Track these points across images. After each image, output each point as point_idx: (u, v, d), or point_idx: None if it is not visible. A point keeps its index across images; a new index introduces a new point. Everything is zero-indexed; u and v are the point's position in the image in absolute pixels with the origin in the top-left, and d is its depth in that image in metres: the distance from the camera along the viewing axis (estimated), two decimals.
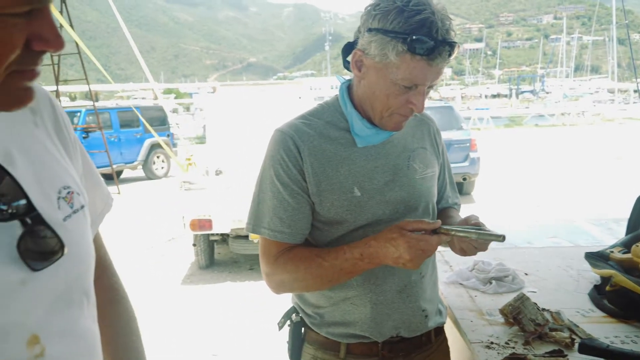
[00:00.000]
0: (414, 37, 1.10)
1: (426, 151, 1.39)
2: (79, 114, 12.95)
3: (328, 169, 1.27)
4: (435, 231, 1.17)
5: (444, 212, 1.51)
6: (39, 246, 0.69)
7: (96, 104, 12.98)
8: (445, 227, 1.18)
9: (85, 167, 0.91)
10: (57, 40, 0.61)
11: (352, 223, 1.28)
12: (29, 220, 0.68)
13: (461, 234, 1.18)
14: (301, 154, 1.27)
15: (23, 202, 0.68)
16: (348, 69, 1.29)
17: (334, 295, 1.34)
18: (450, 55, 1.15)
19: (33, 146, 0.76)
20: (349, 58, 1.26)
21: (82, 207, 0.80)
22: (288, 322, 1.47)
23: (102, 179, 1.00)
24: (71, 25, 9.83)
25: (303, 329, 1.43)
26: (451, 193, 1.56)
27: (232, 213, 5.35)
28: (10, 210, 0.66)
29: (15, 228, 0.67)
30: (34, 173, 0.72)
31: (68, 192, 0.77)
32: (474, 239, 1.20)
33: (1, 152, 0.70)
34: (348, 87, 1.34)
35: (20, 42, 0.59)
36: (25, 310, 0.68)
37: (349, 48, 1.26)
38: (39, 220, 0.69)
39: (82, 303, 0.78)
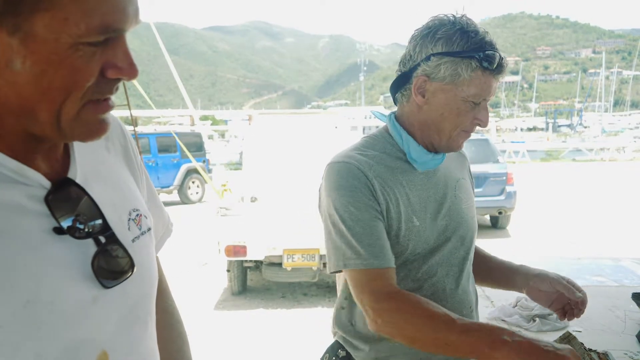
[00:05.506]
0: (483, 54, 1.19)
1: (466, 182, 1.44)
2: None
3: (392, 198, 1.26)
4: None
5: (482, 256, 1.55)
6: (110, 265, 0.71)
7: (136, 129, 13.33)
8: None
9: (149, 192, 0.94)
10: (131, 69, 0.64)
11: (411, 252, 1.28)
12: (102, 239, 0.71)
13: None
14: (369, 180, 1.23)
15: (99, 221, 0.71)
16: (397, 102, 1.33)
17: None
18: None
19: (106, 170, 0.80)
20: (409, 87, 1.27)
21: (149, 229, 0.83)
22: (333, 358, 1.41)
23: (162, 204, 1.03)
24: None
25: None
26: None
27: (266, 240, 5.39)
28: (86, 229, 0.69)
29: (89, 246, 0.70)
30: (107, 195, 0.75)
31: (137, 215, 0.80)
32: None
33: (80, 175, 0.73)
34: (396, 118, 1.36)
35: (96, 71, 0.62)
36: (96, 326, 0.70)
37: (402, 79, 1.29)
38: (112, 239, 0.72)
39: (146, 323, 0.81)
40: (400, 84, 1.31)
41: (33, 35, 0.57)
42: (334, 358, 1.41)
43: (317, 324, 4.95)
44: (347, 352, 1.39)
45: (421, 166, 1.32)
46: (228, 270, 5.96)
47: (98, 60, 0.62)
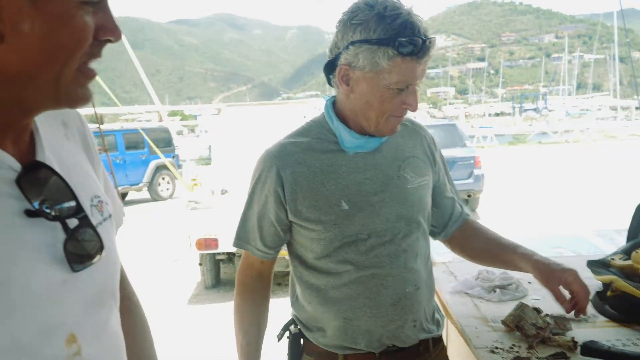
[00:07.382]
0: (401, 40, 1.14)
1: (418, 160, 1.40)
2: None
3: (314, 185, 1.30)
4: None
5: (477, 230, 1.57)
6: (79, 248, 0.72)
7: (101, 126, 13.06)
8: None
9: (105, 183, 0.95)
10: (117, 30, 0.67)
11: (341, 236, 1.30)
12: (75, 221, 0.71)
13: None
14: (281, 174, 1.31)
15: (71, 203, 0.71)
16: (332, 86, 1.32)
17: (329, 309, 1.36)
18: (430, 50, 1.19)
19: (66, 156, 0.80)
20: (335, 74, 1.28)
21: (110, 216, 0.84)
22: (287, 333, 1.49)
23: (116, 194, 1.04)
24: None
25: (302, 340, 1.45)
26: (462, 204, 1.58)
27: None
28: (53, 213, 0.69)
29: (58, 229, 0.70)
30: (71, 181, 0.75)
31: (99, 201, 0.81)
32: None
33: (47, 159, 0.73)
34: (333, 103, 1.37)
35: (92, 30, 0.64)
36: (65, 309, 0.70)
37: (330, 66, 1.29)
38: (86, 222, 0.73)
39: (111, 306, 0.81)
40: (329, 71, 1.30)
41: None
42: (287, 333, 1.49)
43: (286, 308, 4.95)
44: (299, 329, 1.45)
45: (353, 150, 1.33)
46: (200, 264, 5.94)
47: (93, 20, 0.64)
